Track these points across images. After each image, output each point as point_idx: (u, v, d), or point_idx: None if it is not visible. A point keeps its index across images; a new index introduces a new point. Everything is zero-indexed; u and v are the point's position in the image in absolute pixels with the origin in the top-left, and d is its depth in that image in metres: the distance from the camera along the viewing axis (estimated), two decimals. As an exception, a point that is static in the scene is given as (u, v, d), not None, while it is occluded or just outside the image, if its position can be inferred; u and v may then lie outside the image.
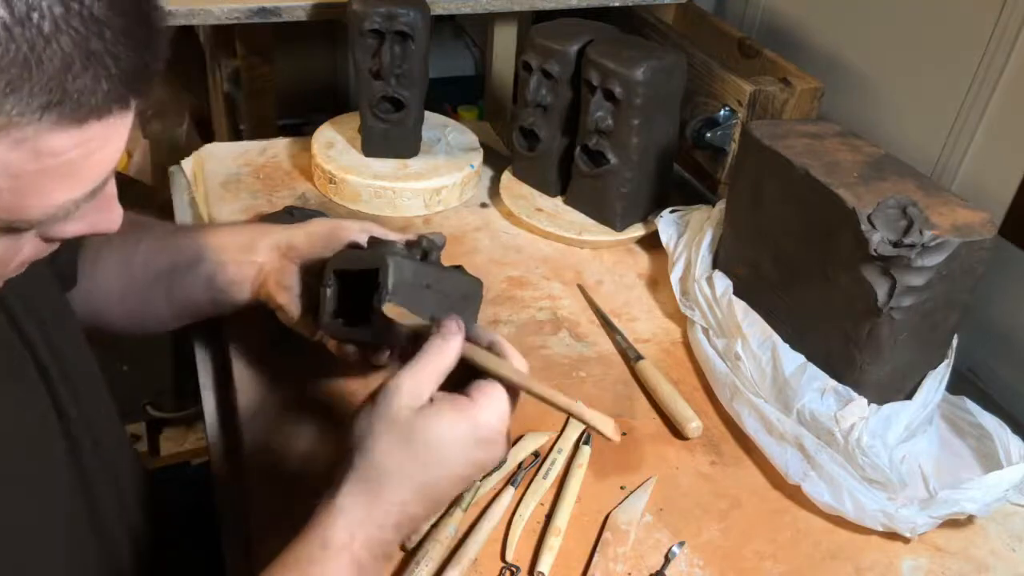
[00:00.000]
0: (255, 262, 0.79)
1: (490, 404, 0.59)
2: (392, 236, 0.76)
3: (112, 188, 0.49)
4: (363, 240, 0.77)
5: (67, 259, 0.74)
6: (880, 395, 0.78)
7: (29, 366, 0.60)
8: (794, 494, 0.77)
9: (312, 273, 0.77)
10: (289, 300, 0.77)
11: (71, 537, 0.61)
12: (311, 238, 0.78)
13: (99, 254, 0.78)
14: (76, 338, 0.69)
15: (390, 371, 0.64)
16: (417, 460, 0.57)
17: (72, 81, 0.39)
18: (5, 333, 0.59)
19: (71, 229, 0.48)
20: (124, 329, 0.83)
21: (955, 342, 0.82)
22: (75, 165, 0.43)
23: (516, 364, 0.62)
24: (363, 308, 0.70)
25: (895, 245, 0.72)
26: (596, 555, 0.70)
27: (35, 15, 0.37)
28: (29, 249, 0.48)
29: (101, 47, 0.39)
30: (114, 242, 0.79)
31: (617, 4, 1.30)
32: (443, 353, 0.60)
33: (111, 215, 0.50)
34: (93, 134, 0.42)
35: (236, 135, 1.62)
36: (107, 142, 0.44)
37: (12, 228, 0.44)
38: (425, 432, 0.57)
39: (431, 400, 0.58)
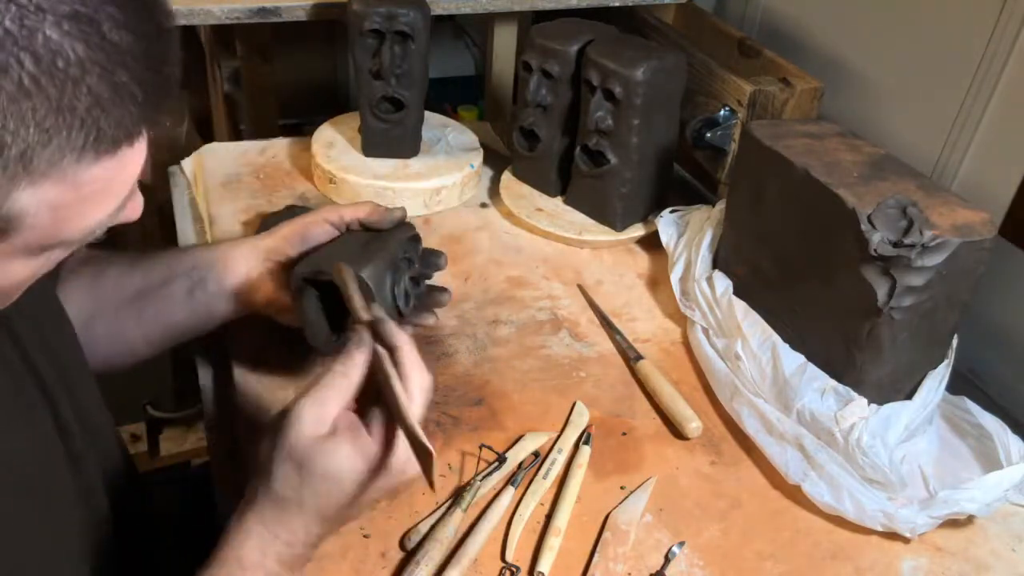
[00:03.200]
0: (238, 272, 0.78)
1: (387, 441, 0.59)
2: (348, 214, 0.79)
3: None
4: (328, 234, 0.78)
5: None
6: (880, 395, 0.78)
7: (29, 382, 0.60)
8: (794, 494, 0.77)
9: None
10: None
11: (68, 544, 0.61)
12: (285, 240, 0.78)
13: (66, 280, 0.75)
14: (73, 345, 0.69)
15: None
16: (314, 489, 0.57)
17: (105, 117, 0.40)
18: (6, 349, 0.59)
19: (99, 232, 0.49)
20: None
21: (955, 342, 0.82)
22: (110, 186, 0.44)
23: (414, 381, 0.60)
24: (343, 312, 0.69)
25: (895, 245, 0.72)
26: (596, 555, 0.70)
27: (60, 61, 0.37)
28: (54, 259, 0.49)
29: (127, 77, 0.40)
30: (81, 269, 0.77)
31: (617, 4, 1.30)
32: (347, 377, 0.59)
33: (134, 204, 0.50)
34: (126, 157, 0.43)
35: (236, 135, 1.63)
36: (136, 157, 0.45)
37: (46, 248, 0.45)
38: (324, 465, 0.57)
39: (334, 429, 0.58)
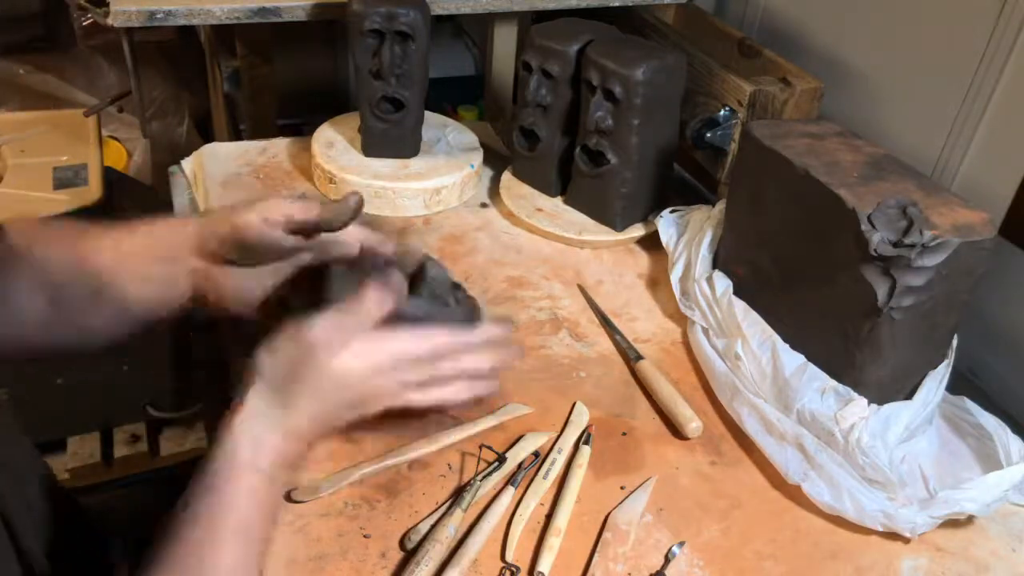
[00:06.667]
0: (185, 270, 0.72)
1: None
2: (298, 214, 0.69)
3: None
4: (265, 237, 0.70)
5: None
6: (880, 395, 0.78)
7: None
8: (794, 494, 0.77)
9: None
10: (246, 298, 0.73)
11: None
12: (221, 245, 0.71)
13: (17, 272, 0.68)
14: None
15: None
16: (315, 367, 0.58)
17: None
18: None
19: None
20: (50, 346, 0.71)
21: (955, 342, 0.82)
22: None
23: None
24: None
25: (895, 245, 0.72)
26: (596, 555, 0.70)
27: None
28: None
29: None
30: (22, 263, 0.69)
31: (617, 4, 1.30)
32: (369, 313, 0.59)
33: None
34: None
35: (236, 135, 1.62)
36: None
37: None
38: (329, 353, 0.58)
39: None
